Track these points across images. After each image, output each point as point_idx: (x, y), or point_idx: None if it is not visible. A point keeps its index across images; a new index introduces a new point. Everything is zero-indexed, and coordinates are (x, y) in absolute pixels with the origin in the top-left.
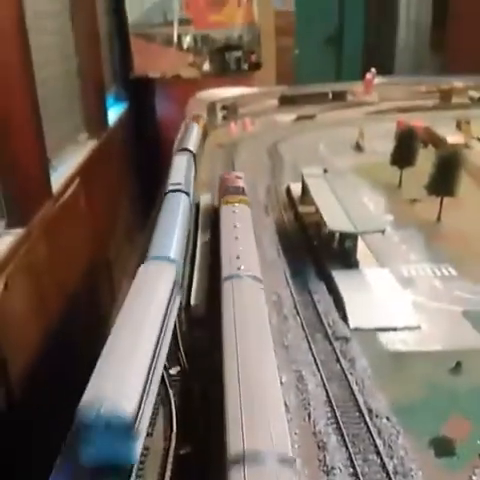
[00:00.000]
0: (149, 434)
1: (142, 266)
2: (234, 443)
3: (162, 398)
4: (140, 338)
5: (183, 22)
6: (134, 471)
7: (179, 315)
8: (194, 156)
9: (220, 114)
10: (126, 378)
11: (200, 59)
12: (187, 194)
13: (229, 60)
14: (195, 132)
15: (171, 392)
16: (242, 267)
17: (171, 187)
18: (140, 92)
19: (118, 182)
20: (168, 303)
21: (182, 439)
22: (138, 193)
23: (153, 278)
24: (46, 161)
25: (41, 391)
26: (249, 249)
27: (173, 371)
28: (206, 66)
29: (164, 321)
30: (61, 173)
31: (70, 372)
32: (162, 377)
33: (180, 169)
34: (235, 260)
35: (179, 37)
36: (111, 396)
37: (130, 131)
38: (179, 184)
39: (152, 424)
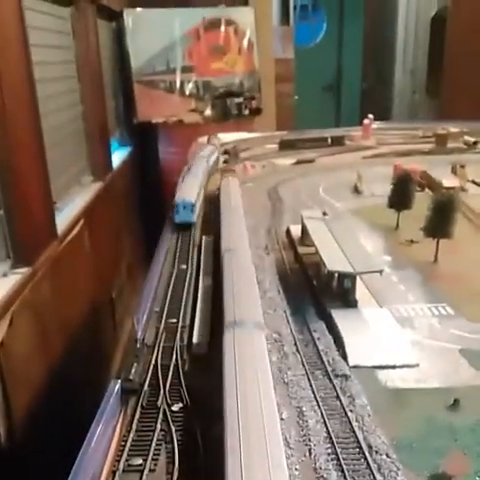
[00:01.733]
0: (152, 470)
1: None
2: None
3: (164, 434)
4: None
5: (185, 69)
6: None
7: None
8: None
9: (221, 158)
10: (190, 190)
11: (202, 105)
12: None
13: (230, 106)
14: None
15: (173, 428)
16: (233, 203)
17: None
18: (143, 137)
19: (121, 223)
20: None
21: (184, 474)
22: (141, 233)
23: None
24: (51, 203)
25: (42, 429)
26: (237, 201)
27: (175, 408)
28: (208, 112)
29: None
30: (66, 214)
31: (71, 410)
32: (164, 414)
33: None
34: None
35: (181, 84)
36: (186, 195)
37: (133, 174)
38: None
39: (154, 459)
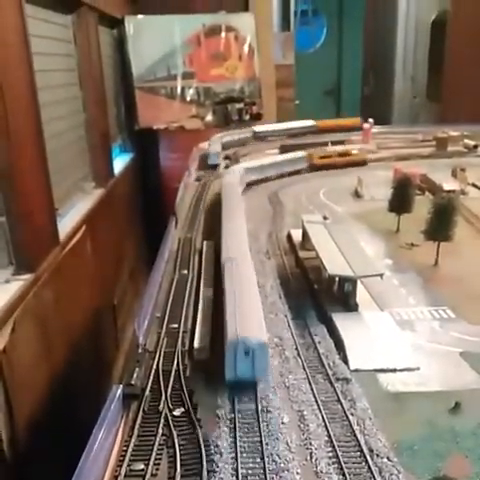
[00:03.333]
0: (153, 475)
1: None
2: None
3: (166, 439)
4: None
5: (186, 76)
6: None
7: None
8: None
9: (223, 163)
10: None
11: (203, 111)
12: None
13: (231, 111)
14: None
15: (175, 433)
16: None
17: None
18: (145, 143)
19: (123, 229)
20: None
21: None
22: (142, 239)
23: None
24: (53, 210)
25: (45, 434)
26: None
27: (177, 413)
28: (209, 117)
29: None
30: (68, 221)
31: (73, 415)
32: (166, 419)
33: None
34: None
35: (182, 90)
36: (214, 149)
37: (135, 180)
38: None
39: (156, 464)
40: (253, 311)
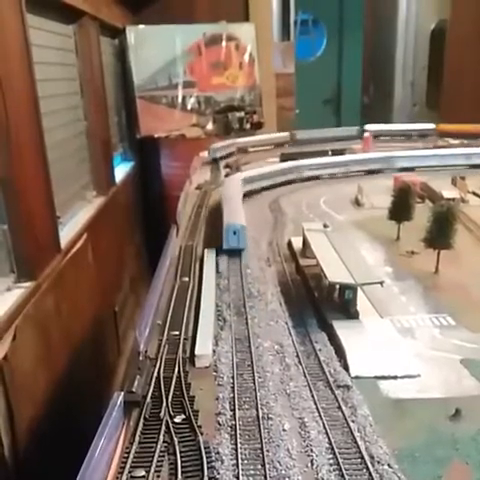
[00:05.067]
0: None
1: None
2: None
3: (167, 446)
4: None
5: (187, 85)
6: None
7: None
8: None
9: (223, 172)
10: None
11: (203, 120)
12: None
13: (232, 120)
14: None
15: (176, 440)
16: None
17: None
18: (146, 151)
19: (124, 237)
20: None
21: None
22: (143, 247)
23: None
24: (55, 218)
25: (46, 442)
26: None
27: (178, 419)
28: (209, 126)
29: None
30: (69, 229)
31: (75, 423)
32: (167, 425)
33: None
34: None
35: (183, 99)
36: (216, 146)
37: (136, 188)
38: None
39: (157, 471)
40: (238, 213)
